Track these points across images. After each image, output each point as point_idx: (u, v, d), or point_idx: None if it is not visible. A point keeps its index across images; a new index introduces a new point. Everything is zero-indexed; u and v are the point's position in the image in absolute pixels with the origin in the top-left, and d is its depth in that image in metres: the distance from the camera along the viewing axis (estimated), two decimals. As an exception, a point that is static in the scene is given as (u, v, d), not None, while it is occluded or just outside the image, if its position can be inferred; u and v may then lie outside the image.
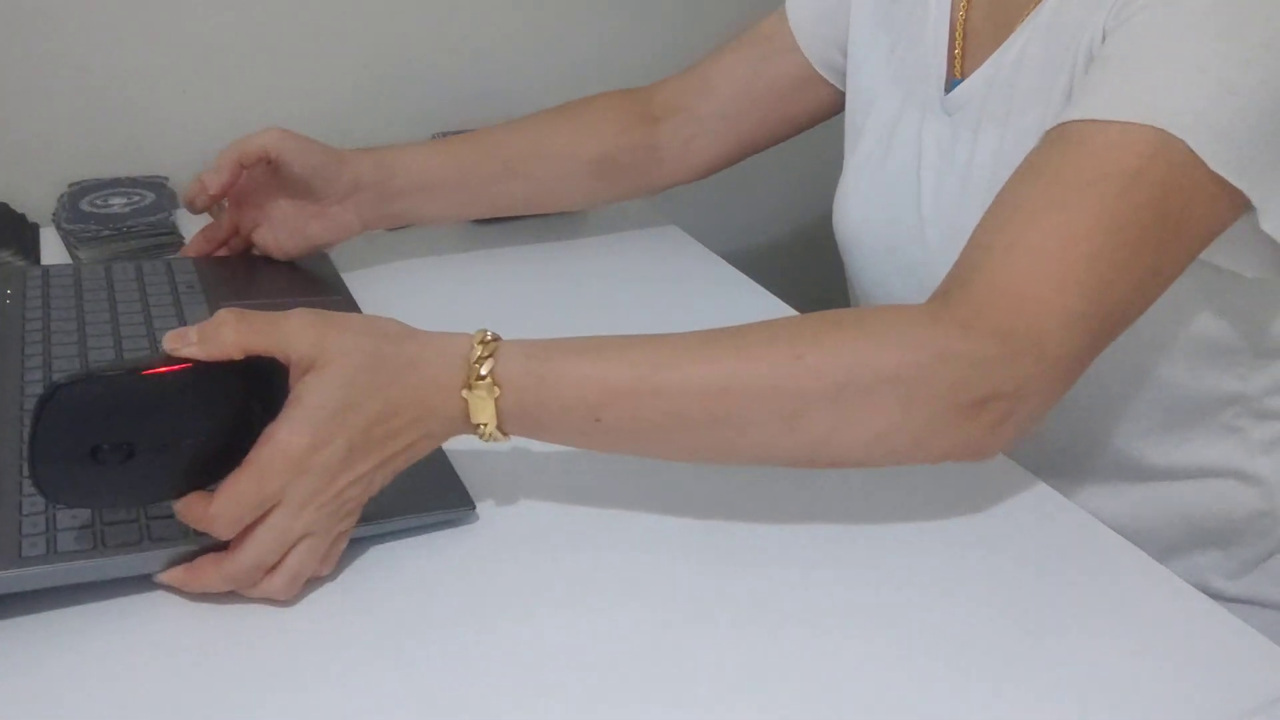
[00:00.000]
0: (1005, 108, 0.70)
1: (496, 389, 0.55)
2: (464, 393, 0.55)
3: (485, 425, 0.56)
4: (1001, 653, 0.53)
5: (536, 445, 0.66)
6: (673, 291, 0.89)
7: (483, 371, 0.55)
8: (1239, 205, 0.60)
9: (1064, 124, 0.61)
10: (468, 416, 0.56)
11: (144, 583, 0.54)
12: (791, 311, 0.85)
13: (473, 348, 0.55)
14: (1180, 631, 0.55)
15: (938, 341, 0.56)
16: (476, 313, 0.83)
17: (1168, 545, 0.76)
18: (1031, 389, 0.57)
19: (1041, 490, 0.65)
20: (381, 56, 1.05)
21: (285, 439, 0.52)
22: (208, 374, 0.51)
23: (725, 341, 0.57)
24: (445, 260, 0.92)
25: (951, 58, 0.75)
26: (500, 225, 0.99)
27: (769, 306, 0.87)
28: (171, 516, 0.54)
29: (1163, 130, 0.58)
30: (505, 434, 0.57)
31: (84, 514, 0.54)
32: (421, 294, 0.86)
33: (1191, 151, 0.58)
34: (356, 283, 0.83)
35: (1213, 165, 0.58)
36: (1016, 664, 0.52)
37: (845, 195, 0.83)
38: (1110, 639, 0.54)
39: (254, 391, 0.53)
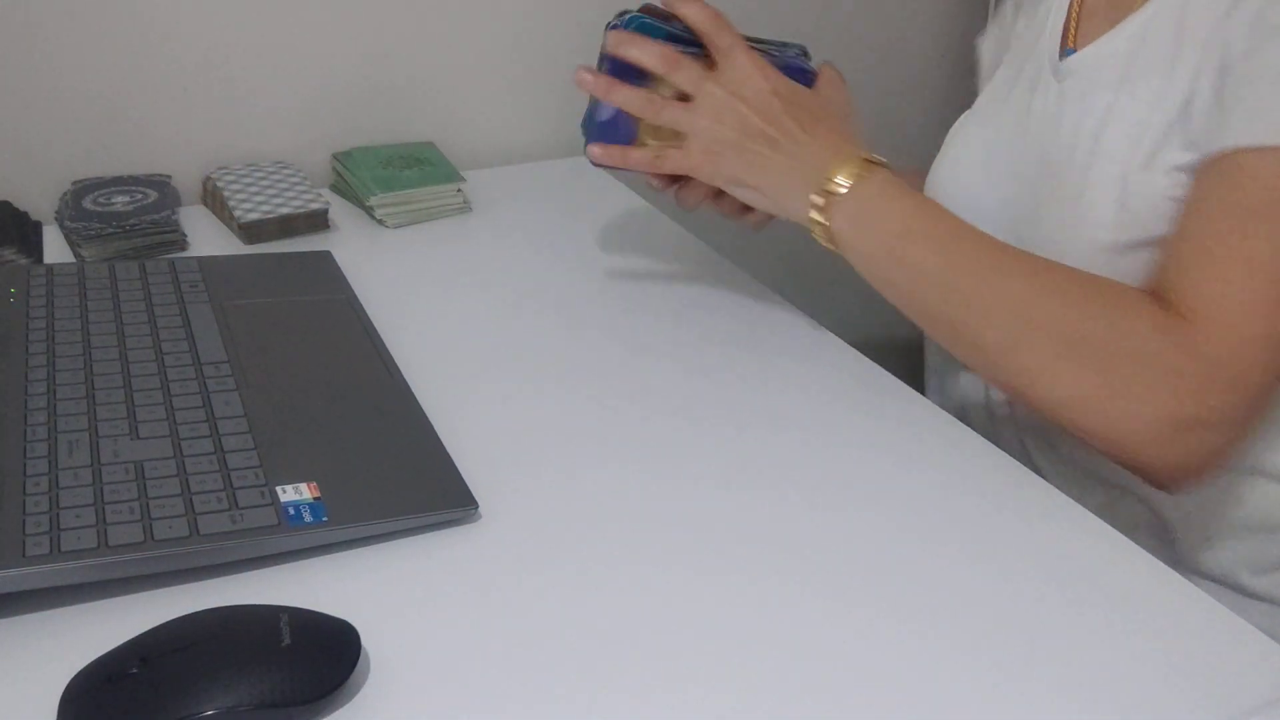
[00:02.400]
0: (1119, 75, 0.73)
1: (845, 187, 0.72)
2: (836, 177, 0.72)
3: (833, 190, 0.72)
4: (1001, 650, 0.53)
5: (538, 443, 0.67)
6: (675, 292, 0.89)
7: (843, 179, 0.72)
8: None
9: (1229, 153, 0.63)
10: (827, 178, 0.72)
11: (147, 582, 0.54)
12: (790, 309, 0.85)
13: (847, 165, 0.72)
14: (1181, 631, 0.55)
15: (1169, 345, 0.61)
16: (477, 312, 0.83)
17: (1206, 536, 0.76)
18: (1229, 419, 0.61)
19: (1043, 489, 0.66)
20: (380, 57, 1.05)
21: (747, 63, 0.75)
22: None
23: (1021, 254, 0.68)
24: (445, 260, 0.92)
25: (1066, 31, 0.79)
26: (498, 225, 0.99)
27: (768, 302, 0.87)
28: (172, 516, 0.55)
29: None
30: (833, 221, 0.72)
31: (88, 514, 0.54)
32: (422, 294, 0.86)
33: None
34: (358, 282, 0.83)
35: None
36: (1016, 661, 0.52)
37: (943, 154, 0.88)
38: (1111, 637, 0.54)
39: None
